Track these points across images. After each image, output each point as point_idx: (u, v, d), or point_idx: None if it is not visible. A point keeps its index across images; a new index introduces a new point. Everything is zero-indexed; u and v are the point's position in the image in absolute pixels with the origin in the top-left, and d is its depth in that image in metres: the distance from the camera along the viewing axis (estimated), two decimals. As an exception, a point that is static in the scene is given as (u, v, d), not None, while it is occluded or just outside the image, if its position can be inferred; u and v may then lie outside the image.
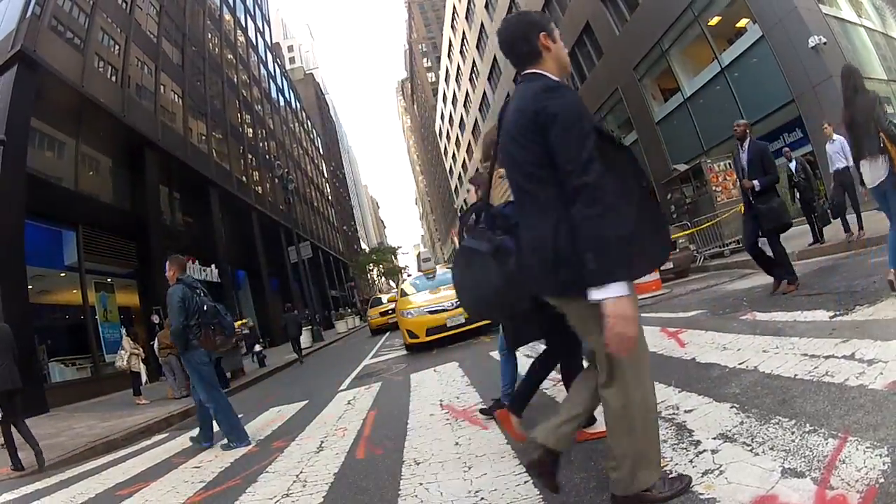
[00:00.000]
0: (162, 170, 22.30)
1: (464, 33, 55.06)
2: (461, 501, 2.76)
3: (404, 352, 11.64)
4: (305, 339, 21.75)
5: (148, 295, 19.72)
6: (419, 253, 58.21)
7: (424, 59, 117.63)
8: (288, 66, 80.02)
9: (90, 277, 17.70)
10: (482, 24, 46.75)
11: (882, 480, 1.85)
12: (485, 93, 52.46)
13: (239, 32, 41.47)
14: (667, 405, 3.35)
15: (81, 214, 17.68)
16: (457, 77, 64.78)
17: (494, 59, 45.82)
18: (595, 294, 1.84)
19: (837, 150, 9.43)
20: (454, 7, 56.84)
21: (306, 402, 7.64)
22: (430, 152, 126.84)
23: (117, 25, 21.53)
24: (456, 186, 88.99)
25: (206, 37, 31.42)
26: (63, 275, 16.81)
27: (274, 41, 60.90)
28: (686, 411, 3.19)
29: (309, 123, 71.29)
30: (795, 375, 3.23)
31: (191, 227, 25.33)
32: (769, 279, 6.76)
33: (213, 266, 25.17)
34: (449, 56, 66.87)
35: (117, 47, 21.19)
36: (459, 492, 2.89)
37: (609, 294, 1.82)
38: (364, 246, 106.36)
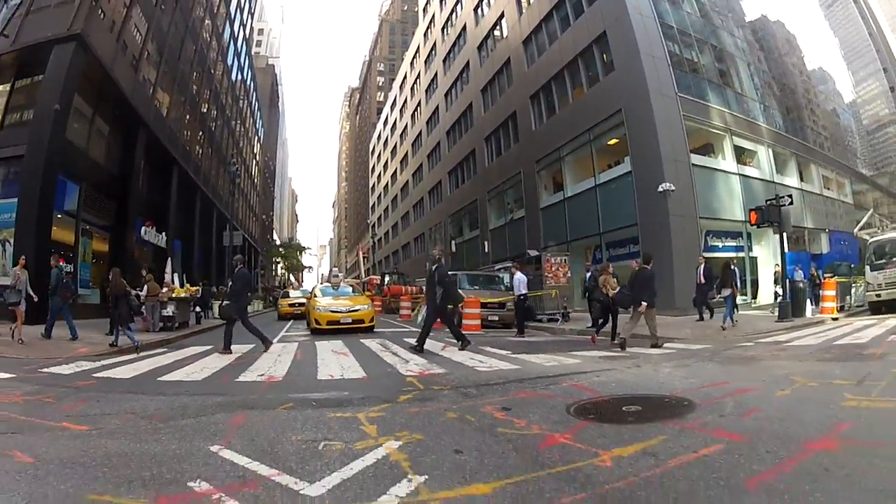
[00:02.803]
0: (145, 146, 25.09)
1: (419, 74, 59.50)
2: (345, 370, 7.11)
3: (308, 333, 16.13)
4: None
5: (116, 246, 23.19)
6: (331, 269, 62.12)
7: (379, 78, 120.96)
8: (254, 50, 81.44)
9: (81, 224, 20.62)
10: (436, 73, 51.51)
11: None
12: (421, 131, 57.09)
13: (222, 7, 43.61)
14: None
15: (86, 172, 20.77)
16: (402, 108, 68.97)
17: (437, 108, 50.72)
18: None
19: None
20: (419, 45, 61.21)
21: (253, 345, 11.23)
22: (359, 164, 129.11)
23: (144, 16, 24.43)
24: (374, 204, 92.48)
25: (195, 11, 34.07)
26: (60, 216, 19.18)
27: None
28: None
29: (258, 114, 73.31)
30: (471, 365, 7.58)
31: (153, 197, 27.74)
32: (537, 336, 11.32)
33: (163, 234, 27.94)
34: (401, 87, 70.97)
35: (138, 36, 24.10)
36: (339, 366, 7.23)
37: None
38: (276, 237, 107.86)
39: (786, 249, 16.52)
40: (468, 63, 41.95)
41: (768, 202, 15.81)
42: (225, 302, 12.27)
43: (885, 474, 2.99)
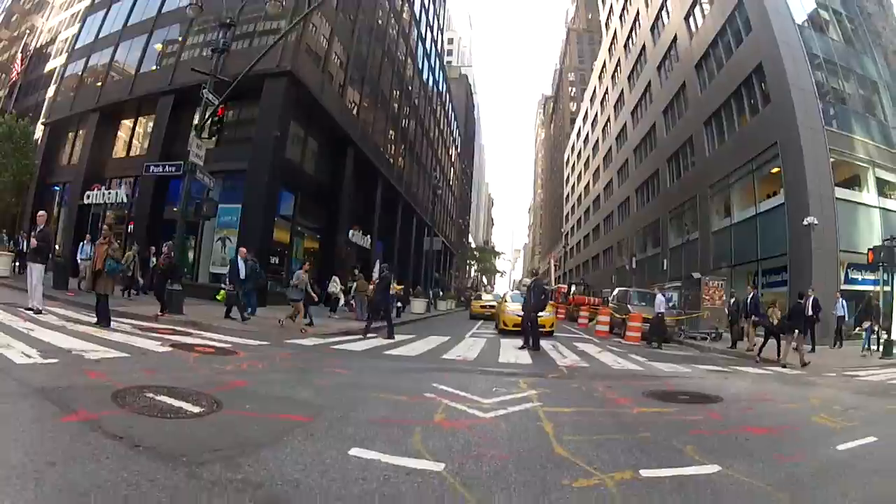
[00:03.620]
0: (353, 160, 30.20)
1: (607, 89, 62.12)
2: (518, 358, 11.79)
3: (496, 332, 19.72)
4: (421, 307, 30.20)
5: (327, 245, 28.93)
6: (522, 280, 66.44)
7: (571, 88, 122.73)
8: (446, 60, 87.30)
9: (295, 226, 26.17)
10: (622, 90, 53.91)
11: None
12: (611, 147, 59.60)
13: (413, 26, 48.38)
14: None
15: (300, 183, 25.93)
16: (593, 122, 71.73)
17: (624, 124, 53.06)
18: None
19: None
20: (604, 61, 63.76)
21: (450, 337, 15.78)
22: (555, 173, 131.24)
23: (342, 45, 29.02)
24: (567, 213, 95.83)
25: (388, 33, 38.86)
26: (276, 220, 23.50)
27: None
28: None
29: (455, 122, 78.92)
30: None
31: (359, 203, 33.05)
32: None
33: (368, 236, 33.59)
34: (591, 100, 73.64)
35: (340, 63, 29.05)
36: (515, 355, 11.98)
37: None
38: (471, 240, 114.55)
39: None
40: (650, 83, 44.14)
41: (886, 242, 16.95)
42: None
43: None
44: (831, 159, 22.92)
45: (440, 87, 64.02)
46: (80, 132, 30.17)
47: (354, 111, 31.18)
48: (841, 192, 23.25)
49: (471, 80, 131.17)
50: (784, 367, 12.95)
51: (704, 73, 32.64)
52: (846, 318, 18.24)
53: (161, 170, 19.61)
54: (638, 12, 47.08)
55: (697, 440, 5.28)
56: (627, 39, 51.63)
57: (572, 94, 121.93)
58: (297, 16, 19.33)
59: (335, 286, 21.12)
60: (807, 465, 4.78)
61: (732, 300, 18.75)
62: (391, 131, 40.23)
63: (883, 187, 24.93)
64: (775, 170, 24.99)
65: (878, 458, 5.22)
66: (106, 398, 4.85)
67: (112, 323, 10.45)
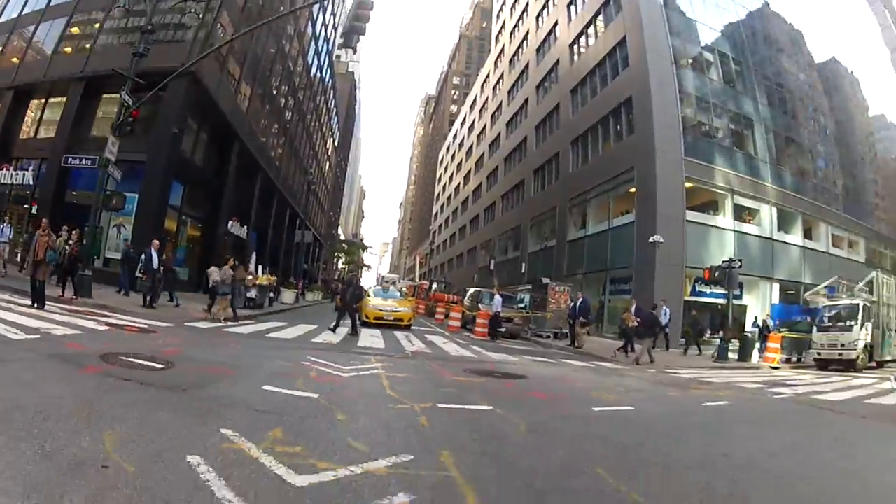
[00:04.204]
0: (238, 155, 30.26)
1: (487, 98, 64.77)
2: (374, 344, 12.45)
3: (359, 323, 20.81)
4: (290, 297, 30.39)
5: (207, 234, 28.84)
6: (385, 276, 67.87)
7: (454, 92, 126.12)
8: (336, 54, 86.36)
9: (181, 215, 26.21)
10: (501, 102, 56.56)
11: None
12: (484, 153, 62.12)
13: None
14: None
15: (189, 174, 26.10)
16: (470, 127, 74.26)
17: (499, 134, 55.70)
18: None
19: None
20: (489, 71, 66.43)
21: (317, 326, 16.30)
22: (428, 171, 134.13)
23: (242, 43, 28.88)
24: (436, 212, 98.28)
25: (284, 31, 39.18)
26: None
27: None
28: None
29: (336, 118, 78.80)
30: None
31: (239, 195, 32.53)
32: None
33: (245, 227, 33.32)
34: (471, 106, 76.21)
35: (237, 60, 29.48)
36: (372, 342, 12.51)
37: None
38: (341, 232, 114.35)
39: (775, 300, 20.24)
40: (527, 99, 46.84)
41: (723, 263, 19.85)
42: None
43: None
44: (687, 185, 25.96)
45: (326, 83, 63.60)
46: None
47: (245, 108, 31.28)
48: (693, 216, 26.38)
49: (358, 76, 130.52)
50: (637, 363, 14.93)
51: (579, 98, 35.41)
52: (667, 326, 20.59)
53: (79, 162, 19.26)
54: (528, 32, 49.65)
55: (487, 395, 7.42)
56: (514, 55, 54.34)
57: (454, 97, 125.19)
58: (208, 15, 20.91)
59: (217, 275, 21.22)
60: (558, 415, 6.79)
61: (571, 304, 20.80)
62: (275, 126, 40.01)
63: (741, 213, 28.43)
64: (632, 190, 27.75)
65: (619, 416, 7.11)
66: (96, 360, 6.58)
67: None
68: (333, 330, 15.04)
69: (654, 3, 29.06)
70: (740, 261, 20.33)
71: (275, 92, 38.41)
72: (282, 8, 34.48)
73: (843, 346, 18.36)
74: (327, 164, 76.32)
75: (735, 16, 33.19)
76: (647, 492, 3.85)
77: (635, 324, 16.65)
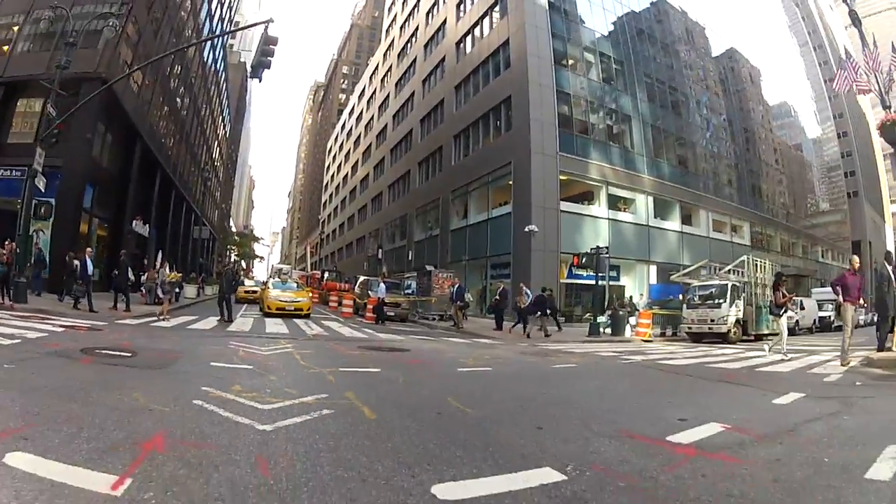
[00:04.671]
0: (140, 154, 29.83)
1: (375, 89, 65.44)
2: (279, 330, 13.25)
3: (261, 314, 21.15)
4: (193, 292, 30.38)
5: (114, 234, 28.50)
6: (281, 268, 67.54)
7: (343, 81, 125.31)
8: (229, 43, 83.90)
9: (91, 217, 25.74)
10: (389, 94, 57.43)
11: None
12: (371, 144, 63.13)
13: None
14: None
15: (97, 176, 25.61)
16: (358, 117, 74.57)
17: (385, 125, 56.72)
18: None
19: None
20: (378, 63, 66.90)
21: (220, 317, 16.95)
22: (317, 160, 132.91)
23: (145, 44, 28.33)
24: (325, 201, 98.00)
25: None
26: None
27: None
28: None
29: (227, 110, 76.91)
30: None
31: (140, 193, 32.00)
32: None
33: (147, 225, 32.72)
34: (359, 96, 76.41)
35: (139, 60, 28.78)
36: (277, 329, 13.17)
37: None
38: (232, 224, 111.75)
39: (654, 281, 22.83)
40: (414, 93, 48.18)
41: (591, 250, 22.03)
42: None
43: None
44: (562, 178, 28.22)
45: (219, 75, 62.18)
46: None
47: (146, 108, 30.87)
48: (568, 206, 28.74)
49: (248, 64, 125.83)
50: (529, 336, 17.15)
51: (462, 94, 37.18)
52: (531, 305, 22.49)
53: (9, 174, 21.01)
54: (417, 27, 50.78)
55: (376, 363, 9.10)
56: (403, 49, 55.36)
57: (343, 86, 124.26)
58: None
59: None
60: (429, 373, 8.73)
61: (454, 288, 22.42)
62: (172, 122, 39.14)
63: (616, 202, 31.00)
64: (510, 183, 29.75)
65: (477, 373, 8.87)
66: (80, 353, 7.71)
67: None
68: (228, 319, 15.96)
69: (538, 6, 30.94)
70: (607, 248, 22.71)
71: (172, 86, 37.58)
72: (182, 13, 34.15)
73: (712, 321, 19.69)
74: (219, 156, 74.66)
75: (621, 17, 35.71)
76: (477, 410, 5.38)
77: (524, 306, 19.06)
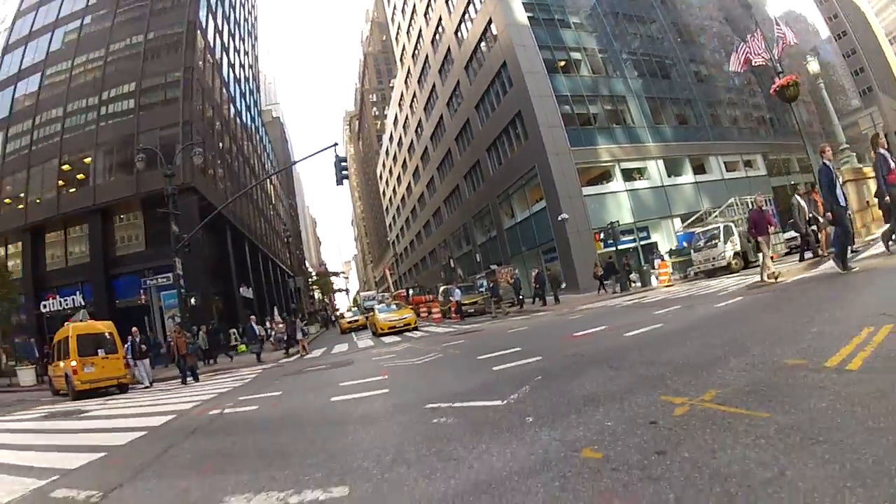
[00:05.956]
0: (231, 234, 37.87)
1: (407, 116, 72.10)
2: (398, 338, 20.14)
3: (372, 336, 26.72)
4: (314, 330, 37.92)
5: (227, 302, 36.27)
6: (367, 294, 75.15)
7: (373, 109, 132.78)
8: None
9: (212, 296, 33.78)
10: (420, 119, 64.14)
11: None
12: (417, 166, 69.65)
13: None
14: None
15: (207, 263, 33.35)
16: (398, 143, 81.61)
17: (426, 148, 63.42)
18: None
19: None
20: (401, 92, 73.40)
21: (347, 343, 24.03)
22: (370, 186, 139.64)
23: (213, 151, 37.19)
24: (390, 224, 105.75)
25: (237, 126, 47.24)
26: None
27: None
28: None
29: (276, 166, 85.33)
30: None
31: (237, 265, 40.43)
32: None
33: (250, 289, 40.95)
34: (394, 122, 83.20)
35: (221, 171, 37.13)
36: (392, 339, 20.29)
37: None
38: (308, 265, 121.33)
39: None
40: (442, 115, 54.69)
41: (606, 226, 28.22)
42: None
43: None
44: (577, 167, 34.00)
45: (263, 141, 70.36)
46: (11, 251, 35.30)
47: (225, 196, 37.74)
48: (589, 190, 34.59)
49: (278, 114, 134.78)
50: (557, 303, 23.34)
51: (482, 112, 43.49)
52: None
53: (156, 282, 28.74)
54: (427, 57, 57.04)
55: (462, 338, 16.18)
56: (420, 76, 61.67)
57: (375, 113, 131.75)
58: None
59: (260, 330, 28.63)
60: (487, 337, 15.51)
61: (513, 280, 28.99)
62: (243, 200, 47.15)
63: (630, 174, 36.33)
64: (539, 182, 35.89)
65: (515, 331, 15.57)
66: (295, 373, 17.52)
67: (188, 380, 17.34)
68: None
69: (521, 26, 36.63)
70: (617, 221, 28.97)
71: (236, 169, 45.94)
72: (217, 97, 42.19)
73: (714, 258, 22.77)
74: (282, 209, 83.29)
75: (593, 5, 40.53)
76: (511, 347, 11.85)
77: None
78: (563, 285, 28.57)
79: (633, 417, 3.84)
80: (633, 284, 26.71)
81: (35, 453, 7.16)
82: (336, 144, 22.41)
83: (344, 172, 22.03)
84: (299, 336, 23.09)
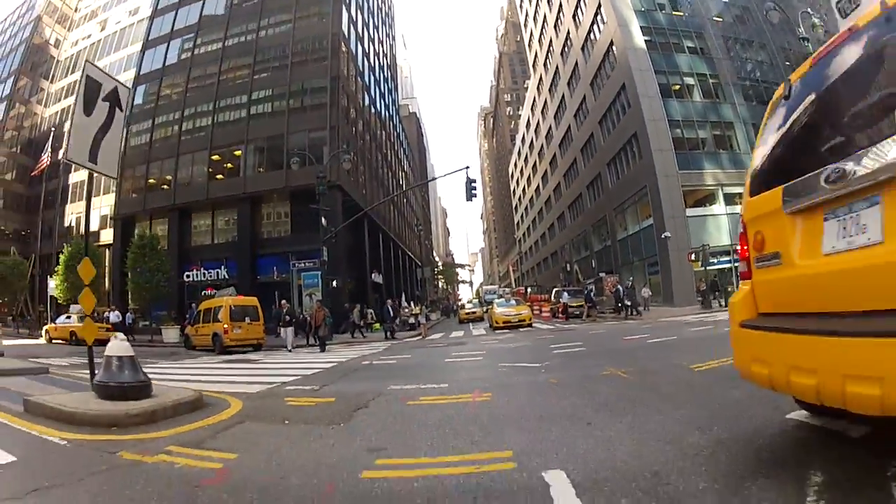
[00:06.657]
0: (368, 226, 43.85)
1: (538, 122, 76.59)
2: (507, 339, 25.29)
3: (489, 328, 28.61)
4: (434, 317, 43.74)
5: (359, 285, 42.12)
6: (489, 288, 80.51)
7: (508, 108, 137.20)
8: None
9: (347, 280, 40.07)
10: (550, 126, 68.24)
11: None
12: (546, 171, 74.08)
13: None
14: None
15: (346, 250, 39.59)
16: (530, 146, 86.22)
17: (555, 155, 67.56)
18: None
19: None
20: (534, 98, 78.26)
21: (463, 332, 29.02)
22: (501, 182, 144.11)
23: (356, 150, 43.55)
24: (518, 221, 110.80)
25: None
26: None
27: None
28: None
29: (412, 160, 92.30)
30: None
31: (372, 253, 46.45)
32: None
33: (380, 275, 47.26)
34: (527, 126, 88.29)
35: (362, 168, 43.55)
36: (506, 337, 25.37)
37: None
38: (435, 254, 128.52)
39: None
40: (570, 126, 58.78)
41: (698, 248, 31.62)
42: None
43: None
44: (683, 189, 36.85)
45: (400, 137, 77.35)
46: (155, 225, 42.57)
47: (365, 192, 44.56)
48: (692, 211, 37.39)
49: (415, 108, 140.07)
50: (638, 315, 27.36)
51: (606, 128, 47.11)
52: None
53: (302, 264, 34.96)
54: (557, 67, 61.29)
55: (559, 333, 20.83)
56: (551, 85, 65.94)
57: (509, 113, 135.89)
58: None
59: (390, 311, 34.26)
60: (573, 333, 20.01)
61: (615, 289, 32.85)
62: (379, 194, 53.44)
63: (731, 199, 38.03)
64: (648, 201, 39.30)
65: (597, 331, 19.90)
66: (423, 345, 21.46)
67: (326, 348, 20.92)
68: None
69: (639, 51, 39.79)
70: (708, 245, 32.44)
71: (375, 166, 52.46)
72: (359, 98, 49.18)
73: None
74: (416, 202, 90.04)
75: (707, 27, 42.67)
76: (579, 336, 16.46)
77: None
78: (643, 300, 32.46)
79: (582, 374, 8.63)
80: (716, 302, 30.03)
81: (253, 377, 11.46)
82: (468, 167, 27.48)
83: (473, 192, 26.89)
84: (422, 321, 27.96)
